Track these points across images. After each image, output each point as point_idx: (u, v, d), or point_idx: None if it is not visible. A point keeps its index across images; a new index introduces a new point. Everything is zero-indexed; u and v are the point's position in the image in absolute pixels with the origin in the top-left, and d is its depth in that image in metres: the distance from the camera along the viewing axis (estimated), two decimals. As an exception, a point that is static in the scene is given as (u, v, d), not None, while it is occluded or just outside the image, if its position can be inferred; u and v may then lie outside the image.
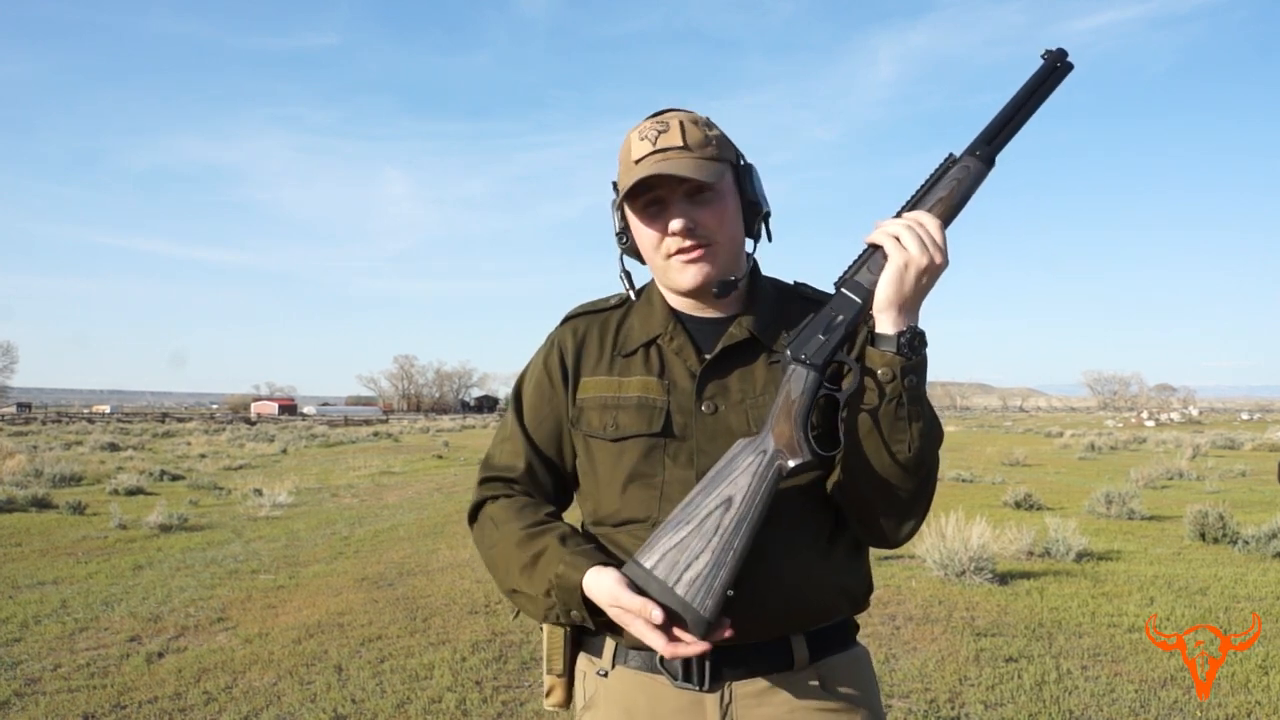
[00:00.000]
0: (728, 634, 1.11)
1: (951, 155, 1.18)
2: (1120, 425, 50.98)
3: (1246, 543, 7.43)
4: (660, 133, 1.23)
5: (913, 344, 1.12)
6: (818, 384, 1.15)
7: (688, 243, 1.24)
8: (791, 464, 1.13)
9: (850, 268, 1.18)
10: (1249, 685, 4.06)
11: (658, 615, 1.08)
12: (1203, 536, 8.00)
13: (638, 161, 1.23)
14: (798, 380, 1.15)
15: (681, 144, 1.22)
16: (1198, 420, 62.51)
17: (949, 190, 1.16)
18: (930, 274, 1.13)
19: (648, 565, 1.12)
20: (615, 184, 1.32)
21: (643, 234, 1.28)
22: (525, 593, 1.24)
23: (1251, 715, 3.73)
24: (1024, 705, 3.82)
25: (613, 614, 1.13)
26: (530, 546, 1.24)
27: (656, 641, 1.09)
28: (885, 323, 1.13)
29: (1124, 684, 4.09)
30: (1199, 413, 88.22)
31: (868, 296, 1.15)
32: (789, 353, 1.17)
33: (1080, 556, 7.08)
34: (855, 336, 1.24)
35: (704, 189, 1.23)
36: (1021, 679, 4.15)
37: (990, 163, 1.17)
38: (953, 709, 3.79)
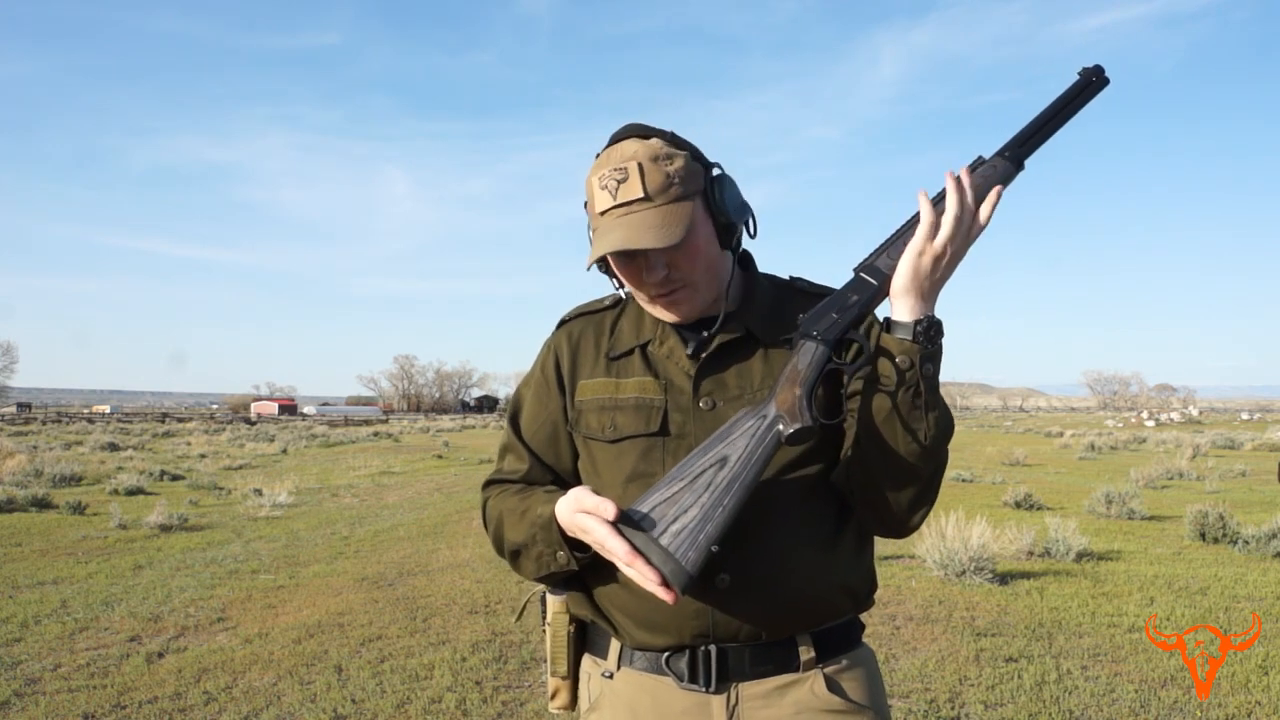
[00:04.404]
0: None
1: (980, 157, 1.20)
2: (1120, 425, 50.96)
3: (1246, 543, 7.43)
4: (620, 183, 1.19)
5: (929, 332, 1.11)
6: (826, 358, 1.15)
7: (666, 289, 1.24)
8: (792, 429, 1.11)
9: (870, 255, 1.19)
10: (1249, 685, 4.05)
11: (610, 510, 1.08)
12: (1203, 536, 8.00)
13: (602, 214, 1.22)
14: (806, 353, 1.15)
15: (643, 194, 1.18)
16: (1198, 420, 62.47)
17: (974, 188, 1.17)
18: (946, 260, 1.12)
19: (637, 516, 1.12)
20: (586, 204, 1.29)
21: (621, 274, 1.28)
22: (518, 545, 1.25)
23: (1251, 715, 3.73)
24: (1024, 705, 3.82)
25: (578, 523, 1.12)
26: (521, 505, 1.26)
27: (618, 548, 1.07)
28: (902, 309, 1.13)
29: (1124, 684, 4.08)
30: (1199, 413, 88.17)
31: (884, 280, 1.16)
32: (800, 329, 1.17)
33: (1080, 556, 7.08)
34: (870, 322, 1.24)
35: None
36: (1021, 679, 4.14)
37: (1019, 165, 1.18)
38: (953, 709, 3.79)
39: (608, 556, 1.10)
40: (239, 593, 6.03)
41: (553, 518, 1.17)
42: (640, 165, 1.19)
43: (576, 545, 1.18)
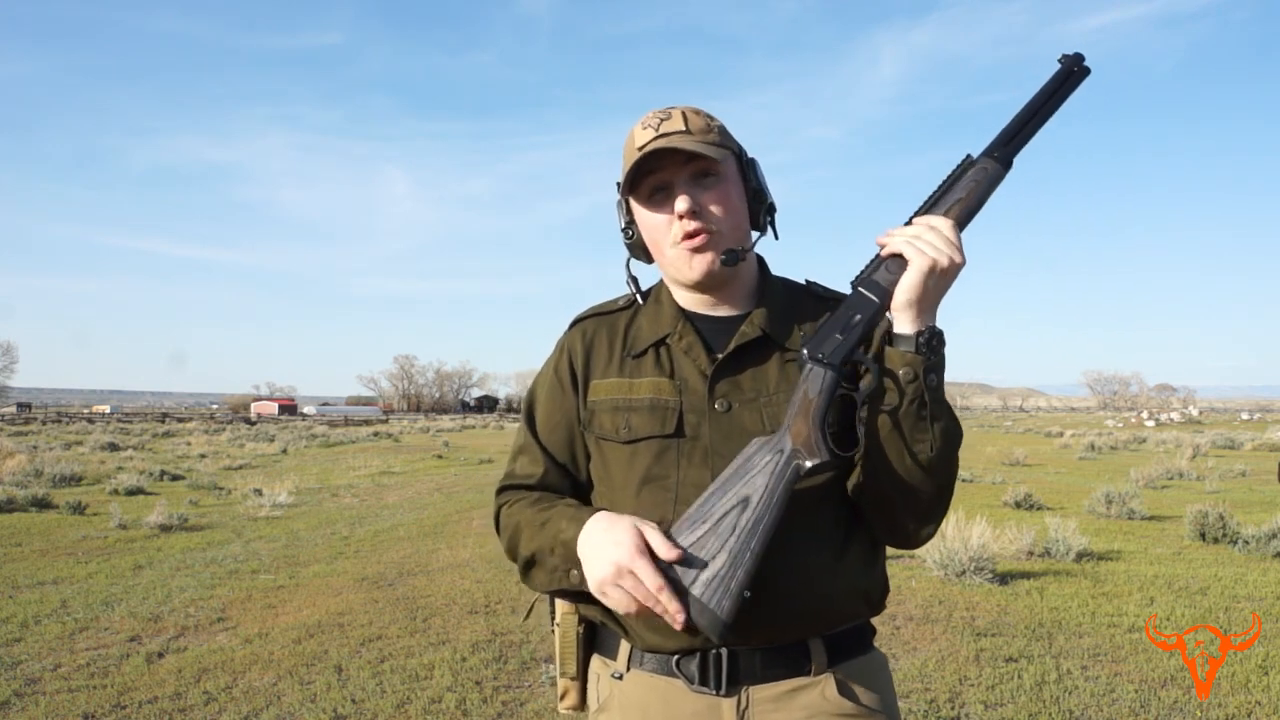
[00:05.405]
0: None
1: (969, 156, 1.18)
2: (1120, 425, 50.95)
3: (1246, 543, 7.43)
4: (663, 120, 1.24)
5: (931, 343, 1.11)
6: (835, 383, 1.14)
7: (693, 225, 1.23)
8: (809, 464, 1.11)
9: (867, 267, 1.18)
10: (1249, 685, 4.06)
11: (671, 554, 1.07)
12: (1203, 536, 8.00)
13: (641, 148, 1.23)
14: (815, 379, 1.14)
15: (684, 129, 1.23)
16: (1198, 420, 62.45)
17: (966, 192, 1.16)
18: (949, 275, 1.12)
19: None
20: (619, 184, 1.31)
21: (649, 222, 1.27)
22: (535, 555, 1.24)
23: (1251, 715, 3.73)
24: (1024, 705, 3.82)
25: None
26: (540, 516, 1.25)
27: (651, 581, 1.07)
28: (904, 322, 1.13)
29: (1124, 684, 4.09)
30: (1199, 413, 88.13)
31: (885, 296, 1.15)
32: (805, 352, 1.16)
33: (1080, 556, 7.08)
34: (873, 337, 1.23)
35: (708, 172, 1.24)
36: (1021, 679, 4.14)
37: (1008, 164, 1.18)
38: (953, 709, 3.79)
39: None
40: (239, 593, 6.04)
41: (576, 539, 1.16)
42: (684, 112, 1.26)
43: None
